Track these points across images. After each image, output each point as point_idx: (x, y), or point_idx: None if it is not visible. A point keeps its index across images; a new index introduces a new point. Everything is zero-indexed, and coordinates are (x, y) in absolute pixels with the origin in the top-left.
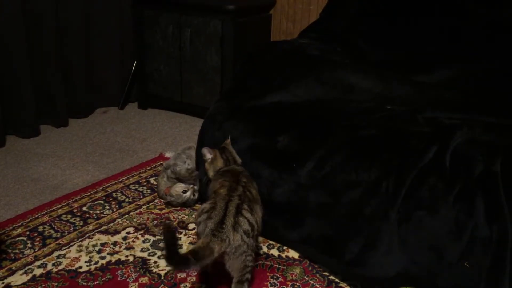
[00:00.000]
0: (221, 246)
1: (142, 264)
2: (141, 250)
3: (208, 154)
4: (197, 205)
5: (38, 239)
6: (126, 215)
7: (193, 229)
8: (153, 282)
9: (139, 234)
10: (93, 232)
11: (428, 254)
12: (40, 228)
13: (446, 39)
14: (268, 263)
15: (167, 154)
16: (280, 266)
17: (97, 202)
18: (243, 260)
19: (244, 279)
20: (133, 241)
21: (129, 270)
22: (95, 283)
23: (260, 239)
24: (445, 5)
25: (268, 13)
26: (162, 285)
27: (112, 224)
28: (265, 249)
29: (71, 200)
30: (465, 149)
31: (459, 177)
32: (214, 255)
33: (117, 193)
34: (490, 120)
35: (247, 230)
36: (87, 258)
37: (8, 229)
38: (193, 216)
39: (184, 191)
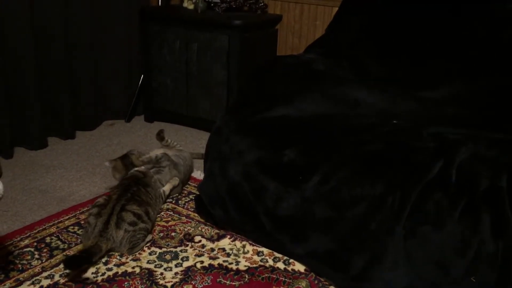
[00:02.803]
0: (107, 245)
1: (149, 276)
2: (148, 262)
3: (107, 164)
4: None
5: (45, 250)
6: None
7: (199, 241)
8: None
9: (146, 246)
10: None
11: (434, 269)
12: (48, 239)
13: (451, 55)
14: (274, 276)
15: None
16: (286, 280)
17: None
18: (129, 242)
19: (135, 246)
20: (140, 253)
21: (136, 282)
22: None
23: (266, 251)
24: (449, 23)
25: (275, 28)
26: None
27: None
28: (271, 262)
29: (78, 212)
30: (470, 165)
31: (465, 192)
32: (103, 252)
33: None
34: (495, 136)
35: (133, 221)
36: (94, 270)
37: (15, 240)
38: (199, 228)
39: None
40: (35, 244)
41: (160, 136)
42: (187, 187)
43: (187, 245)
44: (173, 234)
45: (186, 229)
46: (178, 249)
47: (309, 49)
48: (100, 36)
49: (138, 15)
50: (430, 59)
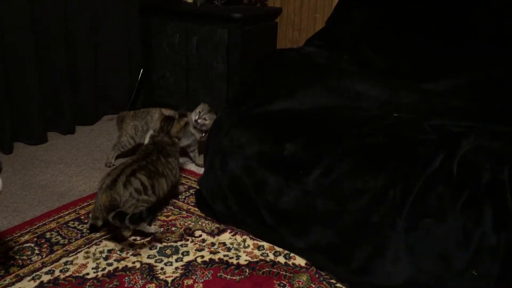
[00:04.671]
0: (118, 197)
1: (149, 271)
2: (148, 257)
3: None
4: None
5: (45, 245)
6: None
7: (200, 236)
8: None
9: (146, 240)
10: (100, 239)
11: (436, 262)
12: (48, 235)
13: (453, 47)
14: (274, 270)
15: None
16: (286, 274)
17: None
18: (132, 210)
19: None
20: (140, 248)
21: (136, 277)
22: None
23: (267, 245)
24: (452, 15)
25: (274, 22)
26: None
27: (119, 230)
28: (271, 256)
29: (78, 207)
30: (473, 157)
31: (467, 185)
32: (120, 202)
33: None
34: (497, 128)
35: (138, 188)
36: (94, 265)
37: (15, 235)
38: (199, 222)
39: None
40: (35, 239)
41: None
42: (187, 182)
43: (187, 240)
44: (173, 228)
45: (186, 224)
46: (179, 243)
47: (309, 42)
48: (100, 31)
49: (138, 9)
50: (432, 51)
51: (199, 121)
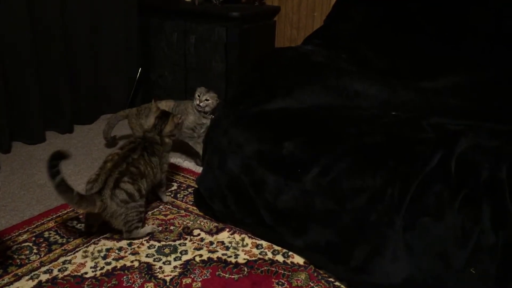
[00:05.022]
0: (101, 206)
1: (148, 270)
2: (147, 256)
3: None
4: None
5: (43, 244)
6: None
7: (198, 235)
8: None
9: (145, 240)
10: (98, 238)
11: (434, 260)
12: (46, 234)
13: (452, 46)
14: (273, 269)
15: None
16: (285, 272)
17: None
18: (123, 219)
19: (132, 228)
20: (139, 247)
21: (135, 276)
22: None
23: (265, 244)
24: (451, 13)
25: (273, 20)
26: None
27: (117, 230)
28: (270, 255)
29: None
30: (471, 155)
31: (465, 183)
32: (95, 208)
33: None
34: (496, 127)
35: (125, 199)
36: (92, 264)
37: (14, 234)
38: (198, 221)
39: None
40: (34, 238)
41: None
42: (185, 180)
43: (186, 239)
44: (172, 227)
45: (185, 223)
46: (177, 242)
47: (308, 41)
48: (99, 30)
49: (137, 8)
50: (431, 49)
51: (201, 104)
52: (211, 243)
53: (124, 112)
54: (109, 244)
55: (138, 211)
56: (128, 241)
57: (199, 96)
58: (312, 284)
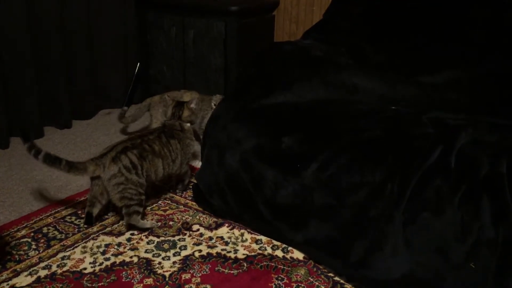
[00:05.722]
0: (95, 169)
1: (147, 265)
2: (146, 251)
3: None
4: None
5: (42, 240)
6: None
7: (197, 230)
8: (158, 284)
9: (144, 235)
10: (97, 234)
11: (434, 256)
12: (45, 230)
13: (451, 40)
14: (272, 264)
15: None
16: (284, 267)
17: None
18: (120, 191)
19: (130, 211)
20: (138, 242)
21: (134, 271)
22: (100, 284)
23: (264, 239)
24: (450, 7)
25: (272, 14)
26: (167, 287)
27: (116, 225)
28: (269, 250)
29: (75, 202)
30: (471, 150)
31: (465, 178)
32: (87, 172)
33: None
34: (495, 121)
35: (127, 165)
36: (91, 260)
37: (12, 230)
38: (197, 217)
39: None
40: (32, 234)
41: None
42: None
43: (185, 234)
44: (171, 223)
45: (184, 218)
46: (176, 238)
47: (307, 35)
48: (96, 24)
49: (134, 2)
50: (430, 44)
51: None
52: (210, 238)
53: (146, 102)
54: (108, 239)
55: (138, 191)
56: (127, 237)
57: (215, 105)
58: (311, 279)
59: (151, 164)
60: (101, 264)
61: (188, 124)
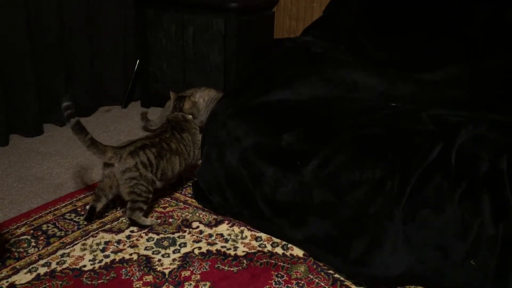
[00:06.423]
0: (112, 156)
1: (146, 263)
2: (145, 249)
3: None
4: None
5: (42, 237)
6: None
7: (197, 227)
8: (157, 281)
9: (143, 232)
10: (97, 231)
11: (434, 253)
12: (44, 227)
13: (452, 37)
14: (272, 261)
15: None
16: (284, 265)
17: None
18: (131, 186)
19: (135, 207)
20: (137, 240)
21: (133, 269)
22: (99, 281)
23: (264, 237)
24: (451, 5)
25: (271, 11)
26: (167, 284)
27: (116, 222)
28: (269, 247)
29: (74, 199)
30: (471, 147)
31: (465, 175)
32: (105, 156)
33: None
34: (495, 118)
35: (144, 162)
36: (91, 257)
37: (12, 228)
38: (197, 214)
39: None
40: (32, 231)
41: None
42: (184, 173)
43: (185, 231)
44: (170, 220)
45: (184, 215)
46: (176, 235)
47: (307, 32)
48: (95, 21)
49: None
50: (431, 41)
51: None
52: (210, 235)
53: (169, 102)
54: (108, 237)
55: (148, 189)
56: (127, 234)
57: None
58: (311, 277)
59: (169, 163)
60: (100, 261)
61: (190, 116)
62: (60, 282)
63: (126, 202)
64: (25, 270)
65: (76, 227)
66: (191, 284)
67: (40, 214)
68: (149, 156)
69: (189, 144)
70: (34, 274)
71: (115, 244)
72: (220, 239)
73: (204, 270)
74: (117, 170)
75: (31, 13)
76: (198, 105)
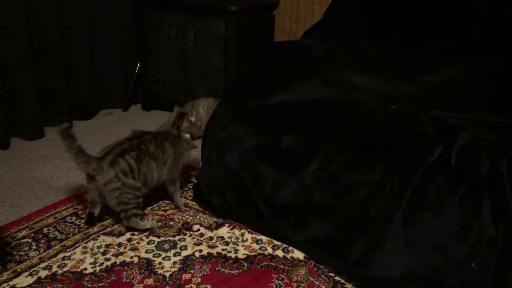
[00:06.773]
0: (95, 169)
1: (147, 266)
2: (146, 252)
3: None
4: None
5: (43, 241)
6: None
7: (198, 230)
8: (158, 284)
9: (144, 235)
10: (97, 234)
11: (434, 254)
12: (45, 230)
13: (451, 38)
14: (273, 264)
15: None
16: (285, 267)
17: None
18: (117, 196)
19: (129, 214)
20: (138, 243)
21: (134, 272)
22: (100, 284)
23: (265, 239)
24: (450, 5)
25: (272, 14)
26: (167, 287)
27: (116, 225)
28: (270, 250)
29: (75, 202)
30: (471, 148)
31: (465, 176)
32: (89, 167)
33: None
34: (496, 119)
35: (124, 169)
36: (92, 260)
37: (13, 231)
38: (197, 217)
39: None
40: (33, 235)
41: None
42: (184, 176)
43: (185, 234)
44: (171, 223)
45: (184, 218)
46: (177, 238)
47: (307, 34)
48: (96, 23)
49: (134, 1)
50: (430, 42)
51: None
52: (211, 238)
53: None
54: (109, 240)
55: (135, 194)
56: (128, 237)
57: None
58: (312, 279)
59: (147, 167)
60: (101, 264)
61: (188, 135)
62: (61, 285)
63: (119, 213)
64: (26, 273)
65: (77, 230)
66: (192, 287)
67: (41, 217)
68: (129, 162)
69: (169, 153)
70: (35, 277)
71: (116, 247)
72: (221, 242)
73: (205, 273)
74: (99, 183)
75: (32, 15)
76: (197, 124)
